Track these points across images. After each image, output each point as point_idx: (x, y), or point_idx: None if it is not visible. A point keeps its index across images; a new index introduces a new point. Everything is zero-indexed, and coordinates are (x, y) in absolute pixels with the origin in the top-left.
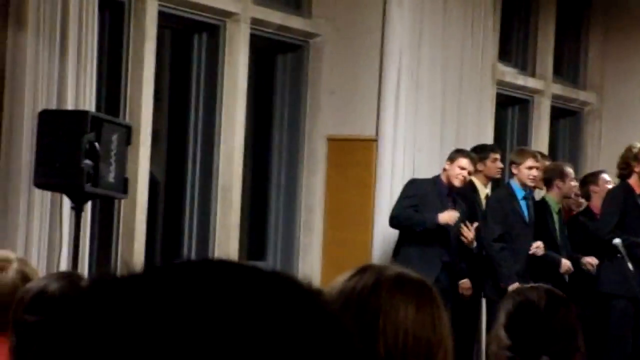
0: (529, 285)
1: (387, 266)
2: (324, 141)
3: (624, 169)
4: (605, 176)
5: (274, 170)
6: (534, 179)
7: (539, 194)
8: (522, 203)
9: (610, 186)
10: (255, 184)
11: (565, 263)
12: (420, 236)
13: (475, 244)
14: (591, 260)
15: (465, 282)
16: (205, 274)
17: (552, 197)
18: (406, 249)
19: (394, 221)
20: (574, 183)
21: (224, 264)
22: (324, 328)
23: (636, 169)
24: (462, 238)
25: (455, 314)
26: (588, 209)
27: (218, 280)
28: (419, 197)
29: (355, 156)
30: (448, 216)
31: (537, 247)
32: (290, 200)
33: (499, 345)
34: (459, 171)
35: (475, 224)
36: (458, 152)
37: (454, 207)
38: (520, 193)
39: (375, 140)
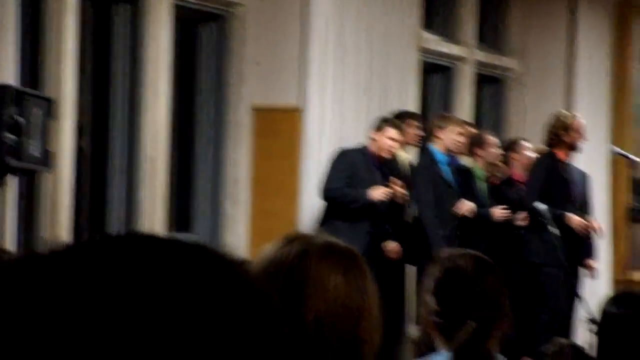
0: (457, 252)
1: (315, 235)
2: (249, 111)
3: (553, 138)
4: (526, 143)
5: (199, 141)
6: (460, 145)
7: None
8: (446, 169)
9: (530, 154)
10: (181, 156)
11: (496, 210)
12: (348, 209)
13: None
14: (523, 216)
15: (390, 244)
16: (126, 248)
17: (477, 165)
18: (333, 221)
19: (327, 195)
20: (496, 150)
21: (146, 237)
22: (246, 298)
23: (565, 139)
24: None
25: (383, 280)
26: (510, 178)
27: (140, 254)
28: (350, 169)
29: (281, 126)
30: (378, 193)
31: (467, 209)
32: (216, 172)
33: (427, 311)
34: (389, 142)
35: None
36: (386, 122)
37: (383, 179)
38: (442, 158)
39: (301, 110)
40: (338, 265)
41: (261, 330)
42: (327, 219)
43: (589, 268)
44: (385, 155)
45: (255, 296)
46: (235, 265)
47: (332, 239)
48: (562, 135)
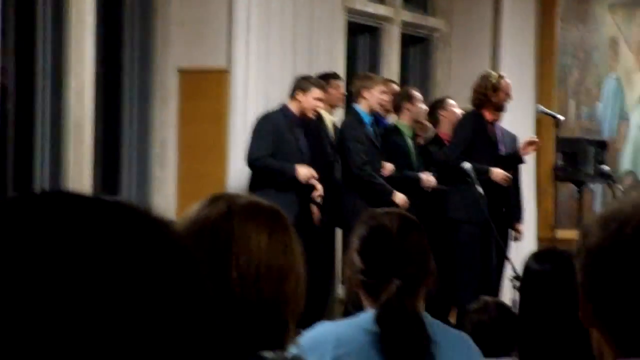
0: (382, 210)
1: (240, 195)
2: (175, 73)
3: (480, 98)
4: (452, 101)
5: (125, 104)
6: (385, 104)
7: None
8: (370, 129)
9: (457, 111)
10: (107, 119)
11: (400, 197)
12: (277, 181)
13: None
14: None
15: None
16: (51, 205)
17: (404, 123)
18: (262, 188)
19: (252, 165)
20: (423, 106)
21: (71, 195)
22: (170, 256)
23: (492, 99)
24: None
25: (313, 243)
26: (437, 137)
27: (64, 210)
28: (274, 133)
29: (207, 88)
30: (304, 174)
31: (388, 169)
32: (143, 134)
33: (353, 269)
34: (316, 103)
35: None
36: (309, 82)
37: (307, 140)
38: (367, 118)
39: (228, 72)
40: (262, 225)
41: (185, 288)
42: (256, 186)
43: (516, 231)
44: (311, 115)
45: (179, 254)
46: (160, 222)
47: (257, 198)
48: (489, 95)
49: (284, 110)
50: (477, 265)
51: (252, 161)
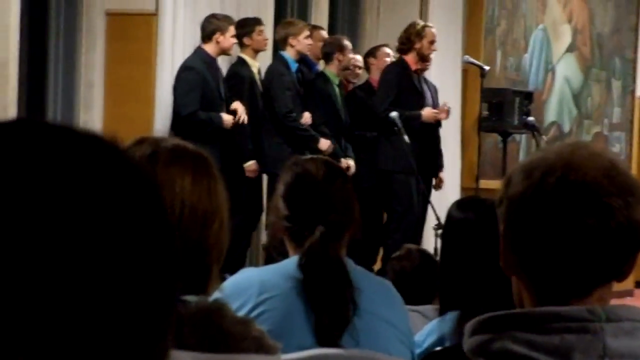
0: (307, 157)
1: (164, 137)
2: (103, 16)
3: (404, 44)
4: (387, 50)
5: (52, 46)
6: (312, 50)
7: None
8: (295, 76)
9: (388, 59)
10: (33, 60)
11: (324, 142)
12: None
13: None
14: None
15: (251, 165)
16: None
17: (331, 71)
18: (188, 130)
19: (184, 120)
20: (353, 55)
21: (35, 122)
22: (133, 178)
23: (416, 46)
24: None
25: (239, 190)
26: (367, 83)
27: (26, 136)
28: (199, 84)
29: (135, 31)
30: (228, 119)
31: (306, 118)
32: (70, 77)
33: (278, 215)
34: (232, 40)
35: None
36: (223, 20)
37: (238, 88)
38: (293, 65)
39: (155, 15)
40: (187, 168)
41: (151, 212)
42: (180, 136)
43: (439, 180)
44: (228, 54)
45: (144, 177)
46: (119, 146)
47: (182, 141)
48: (414, 42)
49: (201, 54)
50: (406, 214)
51: (185, 116)
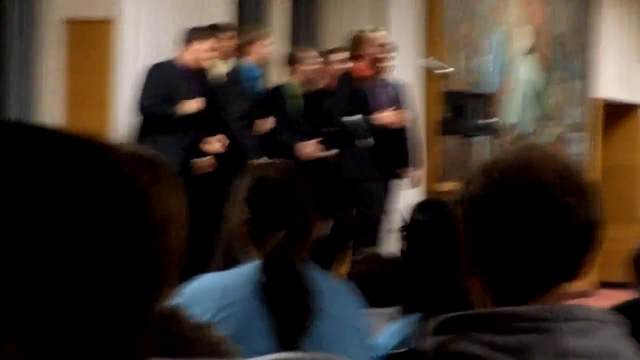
0: (268, 161)
1: (120, 144)
2: (63, 23)
3: (354, 52)
4: (340, 55)
5: (11, 54)
6: (270, 57)
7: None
8: (254, 83)
9: (341, 66)
10: None
11: (300, 148)
12: (164, 124)
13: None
14: (333, 152)
15: (203, 161)
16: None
17: (295, 81)
18: (151, 134)
19: (141, 112)
20: (314, 65)
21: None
22: (117, 180)
23: (366, 52)
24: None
25: (199, 192)
26: (326, 90)
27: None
28: (163, 84)
29: (95, 38)
30: (190, 106)
31: (268, 124)
32: (29, 85)
33: (239, 219)
34: (210, 53)
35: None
36: (200, 33)
37: (197, 91)
38: (254, 72)
39: (116, 22)
40: (142, 173)
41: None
42: (144, 134)
43: (412, 177)
44: (204, 65)
45: (128, 179)
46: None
47: (136, 147)
48: (363, 48)
49: (175, 61)
50: (371, 219)
51: (142, 109)
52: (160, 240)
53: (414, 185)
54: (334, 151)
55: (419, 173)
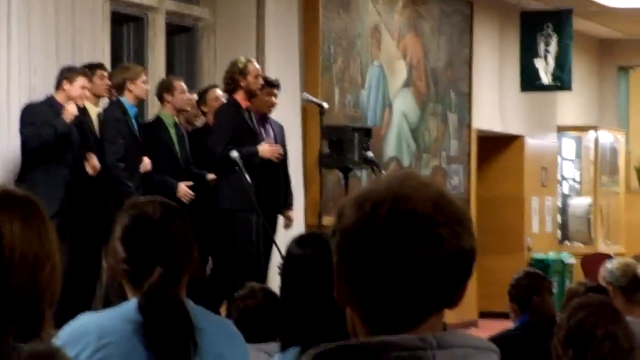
0: (144, 198)
1: None
2: None
3: (230, 84)
4: (217, 91)
5: None
6: (144, 94)
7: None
8: (134, 121)
9: (220, 100)
10: None
11: (181, 188)
12: (44, 157)
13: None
14: (213, 177)
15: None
16: None
17: (166, 112)
18: (31, 173)
19: (26, 146)
20: (187, 96)
21: None
22: None
23: (242, 84)
24: (88, 169)
25: (81, 233)
26: (205, 125)
27: None
28: (40, 121)
29: None
30: (68, 113)
31: (146, 165)
32: None
33: (116, 258)
34: (81, 91)
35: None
36: (75, 71)
37: (77, 130)
38: (132, 110)
39: None
40: (15, 213)
41: None
42: (25, 172)
43: (287, 218)
44: (77, 102)
45: None
46: None
47: (9, 187)
48: (238, 79)
49: (49, 101)
50: (249, 252)
51: (25, 142)
52: (36, 278)
53: (287, 225)
54: (212, 176)
55: (292, 213)
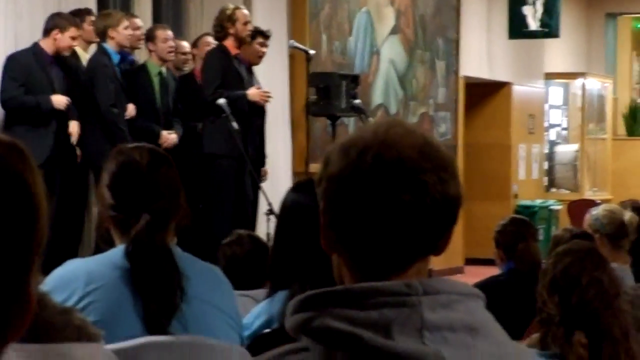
0: (131, 145)
1: None
2: None
3: (219, 32)
4: (208, 38)
5: None
6: (134, 40)
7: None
8: (117, 68)
9: (207, 48)
10: None
11: (164, 135)
12: (32, 117)
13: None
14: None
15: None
16: None
17: (152, 62)
18: (15, 128)
19: (5, 105)
20: (170, 44)
21: None
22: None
23: (230, 31)
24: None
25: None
26: (190, 73)
27: None
28: (24, 74)
29: None
30: (59, 101)
31: (130, 111)
32: None
33: (103, 205)
34: (70, 42)
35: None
36: (66, 21)
37: (61, 77)
38: (115, 57)
39: None
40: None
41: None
42: (10, 124)
43: (263, 172)
44: (65, 53)
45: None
46: None
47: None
48: (227, 27)
49: (35, 48)
50: (232, 199)
51: (5, 101)
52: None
53: (262, 180)
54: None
55: (267, 168)
